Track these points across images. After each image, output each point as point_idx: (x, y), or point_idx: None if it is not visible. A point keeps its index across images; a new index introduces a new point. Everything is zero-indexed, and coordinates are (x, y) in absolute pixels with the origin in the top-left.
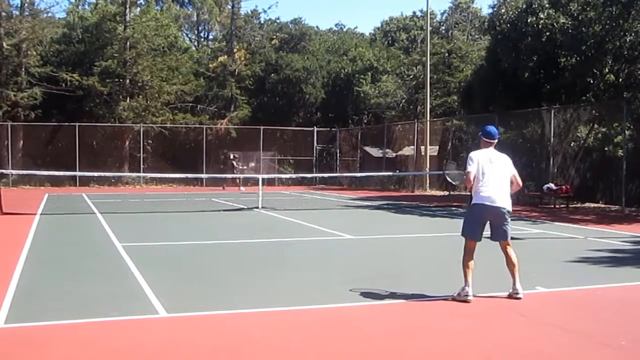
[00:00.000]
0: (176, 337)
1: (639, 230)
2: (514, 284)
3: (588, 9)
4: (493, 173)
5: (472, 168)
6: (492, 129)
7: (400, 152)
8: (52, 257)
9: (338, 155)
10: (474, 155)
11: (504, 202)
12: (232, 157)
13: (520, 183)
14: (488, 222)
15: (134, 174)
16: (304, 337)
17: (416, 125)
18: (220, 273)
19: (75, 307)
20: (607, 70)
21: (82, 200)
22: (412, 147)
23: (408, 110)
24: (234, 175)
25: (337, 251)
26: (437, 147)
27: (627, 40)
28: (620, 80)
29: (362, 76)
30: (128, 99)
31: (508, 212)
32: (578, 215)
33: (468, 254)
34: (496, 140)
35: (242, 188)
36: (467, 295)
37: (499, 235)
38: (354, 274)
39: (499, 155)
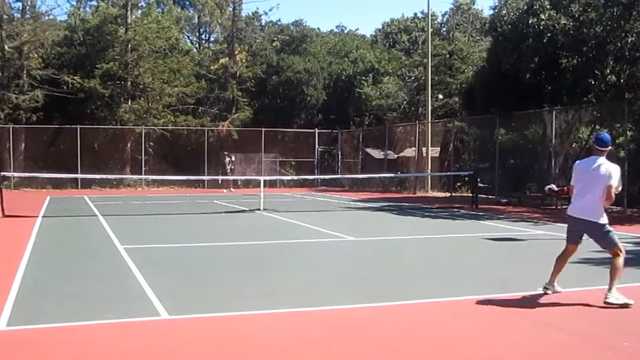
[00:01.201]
0: (178, 339)
1: None
2: (609, 286)
3: (589, 10)
4: (584, 184)
5: (572, 180)
6: (604, 136)
7: (401, 154)
8: (54, 259)
9: (339, 156)
10: (574, 166)
11: (588, 213)
12: (232, 158)
13: (611, 197)
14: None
15: (136, 176)
16: (307, 339)
17: (417, 126)
18: (222, 275)
19: (77, 309)
20: (608, 71)
21: (83, 202)
22: (414, 148)
23: (409, 112)
24: (235, 177)
25: (339, 253)
26: (439, 148)
27: (629, 41)
28: (622, 81)
29: (363, 78)
30: (129, 101)
31: (595, 223)
32: None
33: (563, 253)
34: (608, 148)
35: (230, 189)
36: (547, 288)
37: (599, 244)
38: (356, 275)
39: (603, 164)
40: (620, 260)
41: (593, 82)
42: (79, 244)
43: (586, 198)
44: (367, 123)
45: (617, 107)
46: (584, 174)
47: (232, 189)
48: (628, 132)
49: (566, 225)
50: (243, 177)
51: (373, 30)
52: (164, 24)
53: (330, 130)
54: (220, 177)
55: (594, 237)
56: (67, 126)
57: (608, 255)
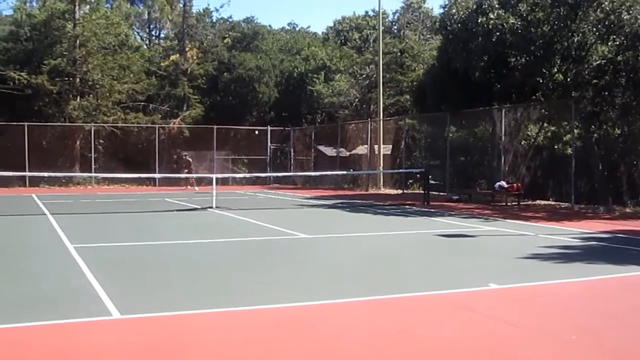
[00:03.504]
0: (130, 339)
1: (588, 227)
2: None
3: (537, 9)
4: None
5: None
6: None
7: (353, 151)
8: (0, 259)
9: (292, 154)
10: None
11: None
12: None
13: None
14: None
15: (85, 174)
16: (257, 337)
17: (369, 124)
18: (173, 274)
19: (26, 309)
20: (555, 70)
21: (32, 201)
22: (366, 146)
23: (361, 110)
24: (187, 175)
25: (292, 250)
26: (391, 146)
27: (575, 41)
28: (568, 79)
29: (315, 75)
30: (78, 98)
31: None
32: (529, 212)
33: None
34: None
35: (195, 187)
36: None
37: None
38: (308, 273)
39: None
40: None
41: (541, 81)
42: (28, 243)
43: None
44: (319, 120)
45: (564, 105)
46: None
47: (195, 187)
48: (575, 130)
49: (515, 221)
50: (195, 175)
51: (324, 28)
52: (113, 20)
53: (282, 128)
54: (172, 175)
55: None
56: (14, 123)
57: (556, 250)
